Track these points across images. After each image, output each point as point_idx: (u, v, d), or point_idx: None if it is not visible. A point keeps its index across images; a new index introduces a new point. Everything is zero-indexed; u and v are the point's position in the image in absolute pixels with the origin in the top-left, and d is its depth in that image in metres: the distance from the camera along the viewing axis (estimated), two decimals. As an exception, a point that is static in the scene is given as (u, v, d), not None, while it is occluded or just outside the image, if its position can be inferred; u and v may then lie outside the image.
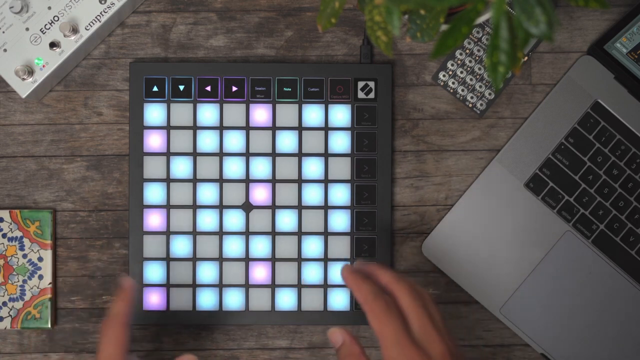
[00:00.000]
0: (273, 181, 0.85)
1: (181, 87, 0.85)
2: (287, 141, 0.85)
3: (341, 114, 0.85)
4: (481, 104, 0.87)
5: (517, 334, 0.86)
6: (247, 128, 0.85)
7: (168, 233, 0.85)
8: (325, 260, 0.85)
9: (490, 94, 0.87)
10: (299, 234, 0.85)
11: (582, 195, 0.86)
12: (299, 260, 0.85)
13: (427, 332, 0.71)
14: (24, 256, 0.85)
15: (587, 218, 0.86)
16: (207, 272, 0.85)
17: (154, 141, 0.85)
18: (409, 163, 0.87)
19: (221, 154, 0.85)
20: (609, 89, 0.86)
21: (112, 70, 0.86)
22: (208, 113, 0.85)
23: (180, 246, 0.85)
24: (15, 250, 0.85)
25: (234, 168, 0.85)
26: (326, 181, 0.85)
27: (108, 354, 0.74)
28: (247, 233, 0.85)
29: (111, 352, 0.74)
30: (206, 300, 0.85)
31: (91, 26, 0.83)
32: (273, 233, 0.85)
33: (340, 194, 0.85)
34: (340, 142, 0.85)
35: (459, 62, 0.87)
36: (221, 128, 0.85)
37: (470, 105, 0.87)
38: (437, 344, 0.71)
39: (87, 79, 0.86)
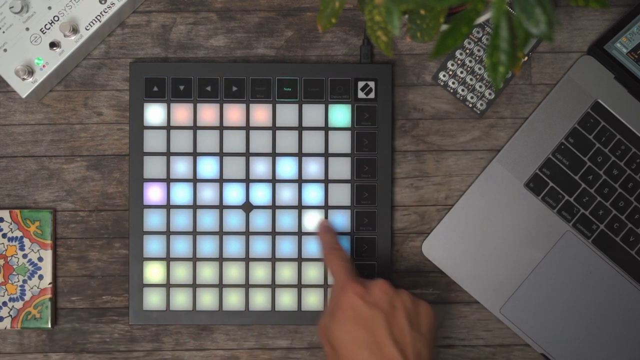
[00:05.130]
0: (273, 181, 0.85)
1: (181, 87, 0.85)
2: (287, 141, 0.85)
3: (341, 114, 0.85)
4: (481, 104, 0.87)
5: (517, 334, 0.86)
6: (247, 128, 0.85)
7: (168, 233, 0.85)
8: (325, 260, 0.85)
9: (490, 94, 0.87)
10: (299, 234, 0.85)
11: (582, 195, 0.86)
12: (299, 260, 0.85)
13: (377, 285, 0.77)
14: (24, 256, 0.85)
15: (587, 218, 0.86)
16: (207, 272, 0.85)
17: (154, 141, 0.85)
18: (409, 163, 0.87)
19: (221, 154, 0.85)
20: (609, 89, 0.86)
21: (112, 70, 0.86)
22: (208, 113, 0.85)
23: (180, 246, 0.85)
24: (15, 250, 0.85)
25: (234, 168, 0.85)
26: (326, 181, 0.85)
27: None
28: (247, 233, 0.85)
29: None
30: (206, 300, 0.85)
31: (91, 26, 0.83)
32: (273, 233, 0.85)
33: (340, 194, 0.85)
34: (340, 142, 0.85)
35: (459, 62, 0.87)
36: (221, 128, 0.85)
37: (470, 105, 0.87)
38: (378, 286, 0.76)
39: (87, 79, 0.86)
